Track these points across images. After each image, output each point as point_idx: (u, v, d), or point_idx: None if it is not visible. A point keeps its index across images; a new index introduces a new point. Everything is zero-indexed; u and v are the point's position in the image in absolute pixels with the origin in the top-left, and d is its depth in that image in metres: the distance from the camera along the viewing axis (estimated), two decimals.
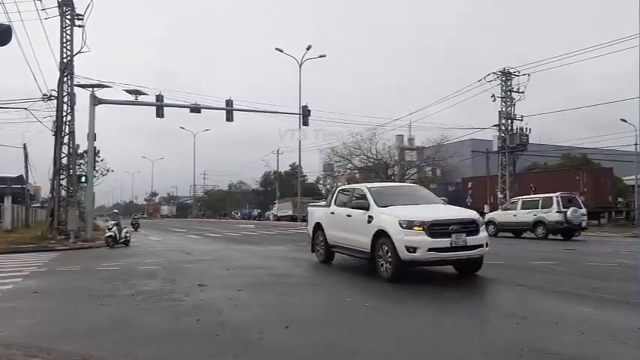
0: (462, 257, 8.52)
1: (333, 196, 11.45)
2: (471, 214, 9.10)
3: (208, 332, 5.21)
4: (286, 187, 66.39)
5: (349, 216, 9.86)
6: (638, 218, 29.73)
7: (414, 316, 6.04)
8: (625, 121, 37.52)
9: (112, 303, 6.98)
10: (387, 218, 8.54)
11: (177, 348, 4.78)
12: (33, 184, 43.26)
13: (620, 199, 35.87)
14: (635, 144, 38.58)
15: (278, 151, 59.23)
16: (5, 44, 6.16)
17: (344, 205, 10.43)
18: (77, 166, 23.64)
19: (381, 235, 8.58)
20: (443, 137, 42.19)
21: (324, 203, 12.13)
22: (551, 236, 20.94)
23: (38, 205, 46.81)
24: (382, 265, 8.59)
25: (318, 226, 11.46)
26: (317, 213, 11.86)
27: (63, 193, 21.42)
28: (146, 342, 4.96)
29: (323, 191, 66.24)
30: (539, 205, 21.85)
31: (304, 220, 49.54)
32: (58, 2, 20.33)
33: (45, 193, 42.91)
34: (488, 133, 35.10)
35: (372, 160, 43.88)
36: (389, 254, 8.32)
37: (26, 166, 37.85)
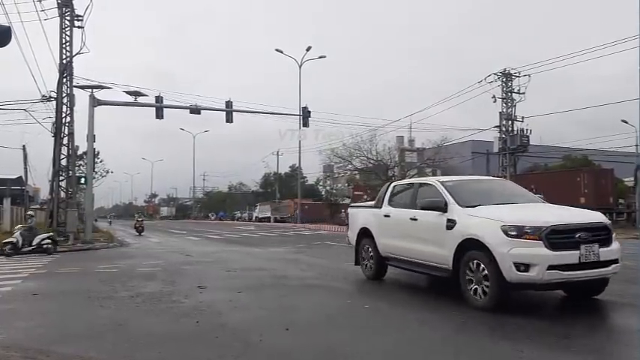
0: (593, 277, 6.01)
1: (385, 194, 8.86)
2: (599, 216, 6.66)
3: (208, 334, 5.19)
4: (286, 188, 66.33)
5: (414, 219, 7.49)
6: (639, 219, 29.68)
7: (412, 318, 6.01)
8: (626, 122, 37.56)
9: (111, 305, 6.95)
10: (481, 222, 6.23)
11: (176, 350, 4.75)
12: (32, 186, 43.25)
13: (621, 201, 35.85)
14: (636, 145, 38.63)
15: (278, 152, 59.32)
16: (5, 45, 6.14)
17: (404, 204, 8.12)
18: (76, 168, 23.64)
19: (470, 246, 6.25)
20: (443, 138, 42.19)
21: (371, 203, 9.94)
22: None
23: (37, 206, 46.75)
24: (474, 289, 6.22)
25: (364, 233, 9.14)
26: (363, 216, 9.48)
27: (62, 194, 21.40)
28: (145, 344, 4.93)
29: (323, 192, 66.25)
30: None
31: (279, 220, 50.91)
32: (58, 3, 20.33)
33: (44, 194, 42.86)
34: (489, 134, 35.20)
35: (372, 161, 43.82)
36: (484, 272, 6.03)
37: (25, 168, 37.76)
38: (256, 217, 61.25)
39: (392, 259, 8.42)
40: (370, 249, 8.97)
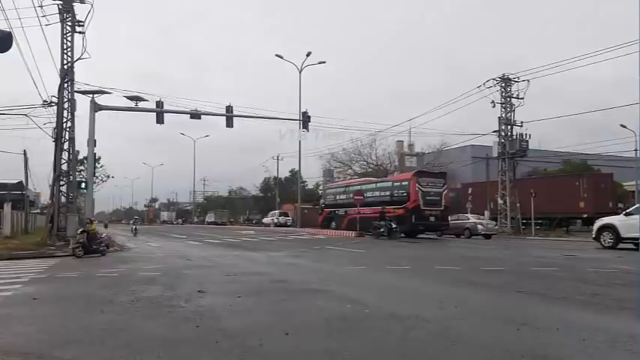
0: None
1: None
2: None
3: (208, 338, 5.20)
4: (286, 192, 66.32)
5: None
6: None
7: (413, 323, 6.02)
8: (625, 126, 37.67)
9: (111, 309, 6.95)
10: None
11: (176, 354, 4.76)
12: (33, 191, 43.24)
13: (620, 205, 35.90)
14: (635, 149, 38.67)
15: (278, 157, 59.50)
16: (6, 50, 6.19)
17: None
18: (77, 173, 23.66)
19: None
20: (443, 143, 42.42)
21: None
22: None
23: (38, 211, 46.77)
24: None
25: None
26: None
27: (63, 199, 21.42)
28: (145, 348, 4.94)
29: None
30: (273, 215, 55.20)
31: (219, 224, 65.23)
32: (59, 9, 20.41)
33: (45, 199, 42.96)
34: (488, 139, 35.28)
35: (371, 165, 43.97)
36: None
37: (26, 173, 37.81)
38: (207, 221, 78.44)
39: None
40: None
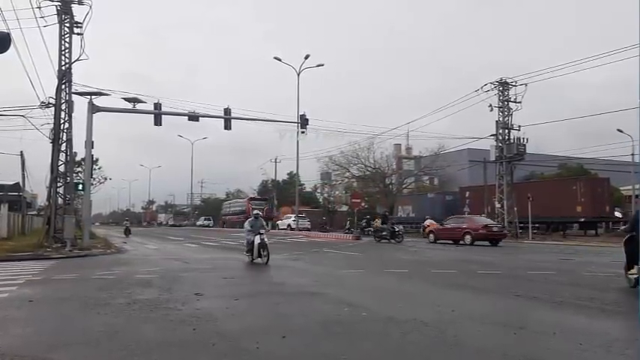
0: None
1: None
2: None
3: (204, 341, 5.18)
4: (284, 195, 66.22)
5: None
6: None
7: (411, 326, 6.01)
8: (621, 131, 37.76)
9: (107, 312, 6.93)
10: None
11: (173, 357, 4.74)
12: (30, 192, 43.16)
13: (617, 209, 35.99)
14: (632, 154, 38.80)
15: (276, 159, 59.46)
16: (4, 52, 6.17)
17: None
18: (74, 174, 23.61)
19: None
20: (440, 146, 42.43)
21: None
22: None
23: (35, 212, 46.63)
24: None
25: None
26: None
27: (60, 200, 21.34)
28: (142, 351, 4.92)
29: (320, 199, 66.31)
30: (200, 220, 76.96)
31: (176, 225, 79.46)
32: (57, 10, 20.37)
33: (42, 200, 42.75)
34: (486, 142, 35.29)
35: (369, 169, 43.97)
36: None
37: (23, 174, 37.73)
38: (172, 224, 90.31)
39: None
40: None
